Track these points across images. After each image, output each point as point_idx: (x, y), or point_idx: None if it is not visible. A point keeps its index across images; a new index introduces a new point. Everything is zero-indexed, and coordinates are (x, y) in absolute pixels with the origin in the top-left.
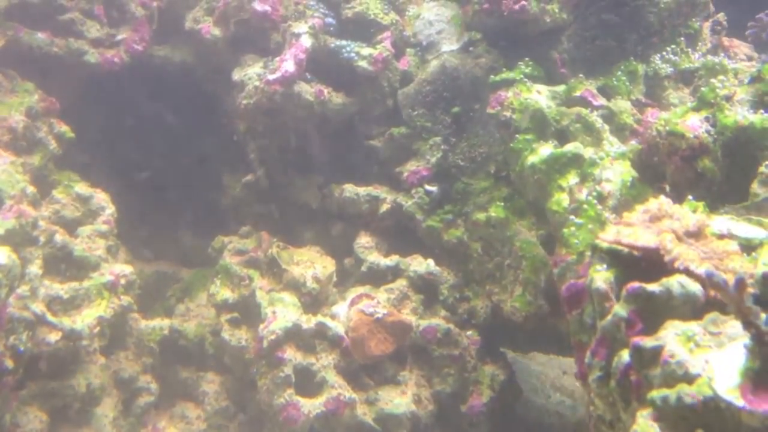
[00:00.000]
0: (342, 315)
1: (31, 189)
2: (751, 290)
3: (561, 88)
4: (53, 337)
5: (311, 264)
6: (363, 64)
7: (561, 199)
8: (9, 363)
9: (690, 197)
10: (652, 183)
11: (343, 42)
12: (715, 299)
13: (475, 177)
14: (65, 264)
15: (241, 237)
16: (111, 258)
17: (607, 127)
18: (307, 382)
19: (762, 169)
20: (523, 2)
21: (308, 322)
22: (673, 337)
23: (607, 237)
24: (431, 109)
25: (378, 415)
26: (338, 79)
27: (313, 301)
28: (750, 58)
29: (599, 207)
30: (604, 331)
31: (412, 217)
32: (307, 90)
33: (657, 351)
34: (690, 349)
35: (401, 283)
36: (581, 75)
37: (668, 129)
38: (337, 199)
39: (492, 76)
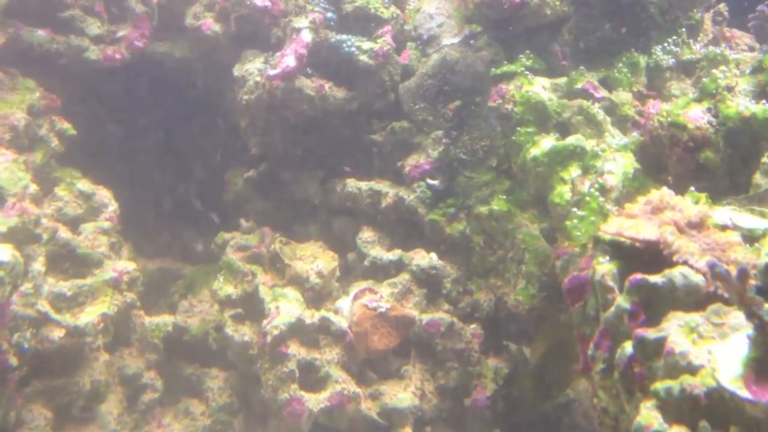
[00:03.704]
0: (345, 310)
1: (33, 186)
2: (753, 281)
3: (562, 80)
4: (57, 334)
5: (314, 259)
6: (364, 58)
7: (563, 192)
8: (13, 360)
9: (692, 188)
10: (654, 174)
11: (344, 36)
12: (716, 293)
13: (477, 170)
14: (68, 261)
15: (244, 233)
16: (114, 255)
17: (608, 119)
18: (311, 377)
19: (764, 159)
20: None
21: (311, 317)
22: (676, 329)
23: (609, 229)
24: (432, 103)
25: (382, 410)
26: (339, 74)
27: (316, 296)
28: (751, 49)
29: (601, 199)
30: (607, 323)
31: (414, 211)
32: (308, 85)
33: (660, 342)
34: (693, 341)
35: (404, 277)
36: (582, 67)
37: (670, 120)
38: (339, 194)
39: (493, 69)
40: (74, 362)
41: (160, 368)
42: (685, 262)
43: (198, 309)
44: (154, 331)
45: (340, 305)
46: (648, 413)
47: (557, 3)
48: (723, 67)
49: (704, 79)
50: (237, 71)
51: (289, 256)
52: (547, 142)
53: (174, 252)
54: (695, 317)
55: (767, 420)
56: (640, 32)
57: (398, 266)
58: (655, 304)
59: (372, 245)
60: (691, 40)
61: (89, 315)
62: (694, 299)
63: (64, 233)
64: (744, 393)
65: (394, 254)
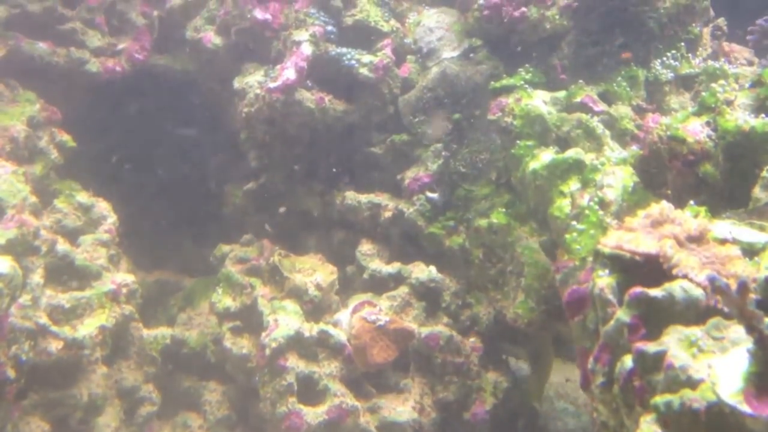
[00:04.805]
0: (344, 322)
1: (32, 198)
2: (753, 295)
3: (561, 94)
4: (55, 346)
5: (313, 271)
6: (364, 71)
7: (562, 205)
8: (11, 373)
9: (691, 202)
10: (653, 188)
11: (344, 49)
12: (715, 307)
13: (477, 183)
14: (67, 273)
15: (243, 245)
16: (113, 267)
17: (608, 132)
18: (310, 391)
19: (764, 173)
20: (523, 9)
21: (310, 329)
22: (676, 342)
23: (609, 242)
24: (432, 116)
25: (381, 423)
26: (339, 87)
27: (315, 309)
28: (750, 63)
29: (601, 212)
30: (606, 336)
31: (413, 224)
32: (308, 97)
33: (660, 356)
34: (693, 354)
35: (403, 291)
36: (581, 81)
37: (669, 134)
38: (339, 207)
39: (492, 83)
40: (72, 375)
41: (158, 381)
42: (685, 276)
43: (196, 321)
44: (153, 343)
45: (339, 318)
46: (648, 427)
47: (556, 17)
48: (722, 81)
49: (703, 93)
50: (237, 84)
51: (288, 268)
52: (546, 156)
53: (173, 264)
54: (695, 331)
55: None
56: (639, 46)
57: (397, 279)
58: (654, 318)
59: (371, 258)
60: (690, 55)
61: (87, 327)
62: (694, 313)
63: (62, 245)
64: (744, 407)
65: (393, 267)
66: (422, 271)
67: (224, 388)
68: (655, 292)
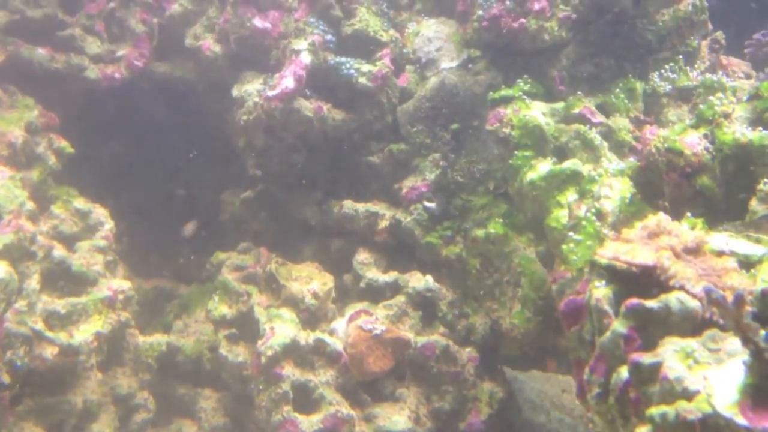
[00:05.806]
0: (340, 331)
1: (29, 204)
2: (749, 307)
3: (560, 105)
4: (50, 352)
5: (310, 280)
6: (362, 80)
7: (560, 216)
8: (6, 378)
9: (688, 214)
10: (650, 200)
11: (343, 59)
12: (711, 319)
13: (474, 193)
14: (63, 279)
15: (240, 253)
16: (109, 273)
17: (605, 144)
18: (305, 399)
19: (760, 186)
20: (522, 20)
21: (306, 338)
22: (671, 354)
23: (605, 253)
24: (430, 126)
25: None
26: (338, 96)
27: (311, 317)
28: (748, 76)
29: (598, 223)
30: (602, 347)
31: (411, 234)
32: (307, 106)
33: (656, 367)
34: (689, 366)
35: (400, 300)
36: (580, 92)
37: (667, 146)
38: (336, 216)
39: (491, 93)
40: (67, 381)
41: (153, 388)
42: (681, 288)
43: (192, 329)
44: (148, 350)
45: (335, 327)
46: None
47: (555, 29)
48: (720, 94)
49: (701, 106)
50: (236, 92)
51: (285, 276)
52: (544, 166)
53: (169, 271)
54: (691, 343)
55: None
56: (637, 59)
57: (394, 288)
58: (650, 329)
59: (368, 267)
60: (688, 67)
61: (83, 333)
62: (690, 325)
63: (59, 251)
64: (740, 419)
65: (390, 276)
66: (419, 281)
67: (219, 396)
68: (652, 303)
